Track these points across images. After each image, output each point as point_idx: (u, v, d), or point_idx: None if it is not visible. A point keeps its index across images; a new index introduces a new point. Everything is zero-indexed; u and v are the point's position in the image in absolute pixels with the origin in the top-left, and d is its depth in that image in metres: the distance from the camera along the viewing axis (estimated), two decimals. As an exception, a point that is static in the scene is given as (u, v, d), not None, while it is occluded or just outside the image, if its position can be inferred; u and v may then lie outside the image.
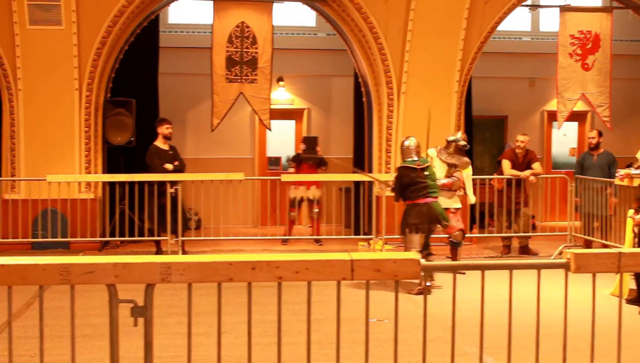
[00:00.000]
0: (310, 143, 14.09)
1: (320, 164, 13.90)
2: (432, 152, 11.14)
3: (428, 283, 9.31)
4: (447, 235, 11.15)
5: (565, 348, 4.05)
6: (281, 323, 3.92)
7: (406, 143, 10.27)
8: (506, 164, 12.81)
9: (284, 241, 13.49)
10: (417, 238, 9.89)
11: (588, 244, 12.51)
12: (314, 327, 3.99)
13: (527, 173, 12.62)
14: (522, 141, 12.82)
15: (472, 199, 11.43)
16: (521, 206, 12.75)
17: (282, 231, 14.15)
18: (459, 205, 11.23)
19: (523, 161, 12.83)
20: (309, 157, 13.85)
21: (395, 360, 3.98)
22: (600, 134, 12.86)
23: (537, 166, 12.84)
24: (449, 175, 10.99)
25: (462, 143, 11.23)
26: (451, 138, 11.34)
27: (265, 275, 3.68)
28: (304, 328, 7.42)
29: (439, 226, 10.12)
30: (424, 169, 10.01)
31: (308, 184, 13.64)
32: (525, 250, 12.82)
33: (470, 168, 11.31)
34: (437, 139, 12.01)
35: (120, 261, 3.64)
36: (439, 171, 10.90)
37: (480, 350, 4.09)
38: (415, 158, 10.09)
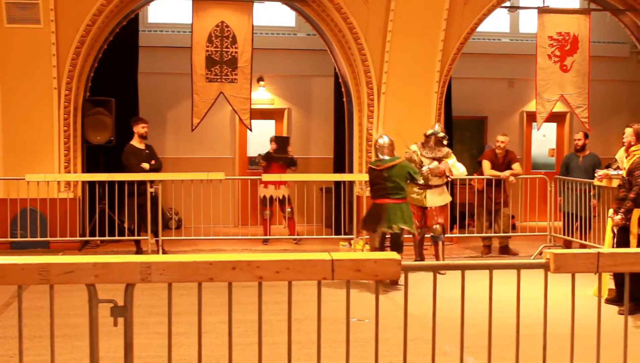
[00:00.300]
0: (281, 142, 14.09)
1: (290, 165, 13.93)
2: (414, 148, 11.26)
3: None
4: (429, 235, 11.25)
5: (546, 348, 4.07)
6: (262, 323, 3.92)
7: (379, 142, 10.40)
8: (486, 164, 12.86)
9: (265, 242, 13.49)
10: (373, 236, 10.22)
11: (568, 244, 12.58)
12: (294, 326, 3.99)
13: (507, 173, 12.68)
14: (502, 142, 12.87)
15: (462, 170, 11.44)
16: (501, 207, 12.80)
17: (262, 231, 14.15)
18: (449, 199, 11.49)
19: (503, 162, 12.88)
20: (279, 157, 13.86)
21: (376, 360, 3.98)
22: (586, 136, 12.94)
23: (517, 167, 12.89)
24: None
25: (441, 134, 11.30)
26: (429, 132, 11.38)
27: (246, 275, 3.67)
28: (284, 328, 7.43)
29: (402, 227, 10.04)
30: (384, 170, 10.06)
31: (277, 183, 13.66)
32: (505, 250, 12.88)
33: (452, 156, 11.40)
34: (418, 140, 12.06)
35: (99, 261, 3.62)
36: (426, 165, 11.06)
37: (461, 349, 4.10)
38: (386, 157, 10.18)
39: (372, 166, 10.31)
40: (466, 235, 13.96)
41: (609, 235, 9.21)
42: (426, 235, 11.39)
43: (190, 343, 6.57)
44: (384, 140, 10.35)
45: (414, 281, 4.10)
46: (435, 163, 11.07)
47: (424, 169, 10.92)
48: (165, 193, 12.54)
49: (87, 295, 3.69)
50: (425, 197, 11.09)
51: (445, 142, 11.36)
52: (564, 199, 12.54)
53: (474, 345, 5.58)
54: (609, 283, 9.02)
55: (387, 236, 10.32)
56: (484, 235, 12.92)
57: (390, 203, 9.96)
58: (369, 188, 10.58)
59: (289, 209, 13.80)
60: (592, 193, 11.98)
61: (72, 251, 12.18)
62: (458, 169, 11.31)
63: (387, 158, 10.19)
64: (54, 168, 12.63)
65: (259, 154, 14.42)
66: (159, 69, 15.82)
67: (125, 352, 3.72)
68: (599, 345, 4.08)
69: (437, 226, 11.10)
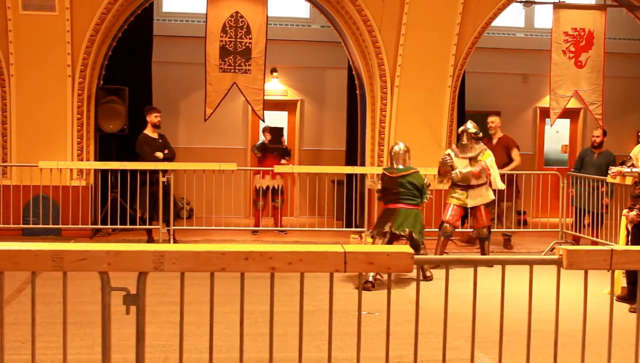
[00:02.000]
0: (275, 133, 14.19)
1: (284, 155, 14.02)
2: (451, 153, 11.16)
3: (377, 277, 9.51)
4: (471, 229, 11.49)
5: (557, 345, 4.07)
6: (273, 314, 3.92)
7: (395, 149, 10.25)
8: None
9: (254, 232, 13.55)
10: (377, 240, 9.92)
11: (577, 240, 12.54)
12: (304, 318, 3.98)
13: (505, 170, 12.54)
14: (491, 122, 12.78)
15: (499, 185, 11.24)
16: (504, 201, 12.67)
17: (272, 222, 14.19)
18: (490, 199, 11.20)
19: (498, 146, 12.72)
20: (274, 147, 13.96)
21: (387, 353, 3.98)
22: (604, 133, 12.86)
23: (515, 156, 12.81)
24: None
25: (473, 130, 11.04)
26: (461, 129, 11.28)
27: (258, 266, 3.67)
28: (294, 320, 7.43)
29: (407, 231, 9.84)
30: (397, 178, 9.95)
31: (273, 174, 13.72)
32: (506, 245, 12.82)
33: (488, 153, 11.12)
34: (431, 134, 12.04)
35: (113, 249, 3.62)
36: (461, 167, 10.91)
37: (472, 344, 4.09)
38: (400, 166, 10.05)
39: (386, 172, 10.19)
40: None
41: (623, 232, 9.17)
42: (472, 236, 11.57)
43: (201, 333, 6.58)
44: (400, 147, 10.21)
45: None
46: (469, 168, 10.87)
47: (454, 172, 10.82)
48: (177, 182, 12.56)
49: (98, 282, 3.69)
50: (467, 198, 10.98)
51: (480, 135, 11.16)
52: (576, 195, 12.48)
53: (484, 340, 5.56)
54: (621, 281, 8.99)
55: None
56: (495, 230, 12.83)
57: (403, 208, 9.85)
58: (378, 194, 10.51)
59: (280, 200, 13.93)
60: (603, 190, 11.92)
61: (84, 239, 12.21)
62: (496, 182, 11.13)
63: (401, 166, 10.07)
64: (67, 155, 12.67)
65: (254, 145, 14.53)
66: (173, 59, 15.84)
67: (137, 340, 3.72)
68: (611, 342, 4.07)
69: (484, 228, 11.11)
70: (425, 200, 10.14)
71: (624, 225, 9.11)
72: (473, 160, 10.93)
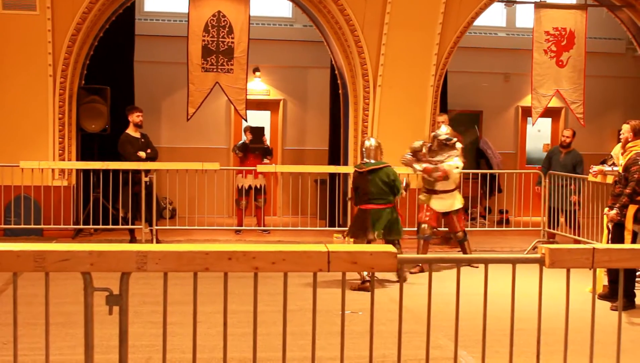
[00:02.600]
0: (256, 133, 14.21)
1: (265, 154, 14.05)
2: (408, 154, 10.94)
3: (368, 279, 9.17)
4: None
5: (539, 343, 4.08)
6: (257, 314, 3.91)
7: (366, 144, 9.99)
8: None
9: (237, 232, 13.55)
10: (358, 243, 9.57)
11: (552, 237, 12.61)
12: (287, 318, 3.98)
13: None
14: (441, 122, 12.86)
15: (452, 164, 10.66)
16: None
17: (255, 222, 14.18)
18: (459, 206, 11.01)
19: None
20: (255, 147, 13.98)
21: (370, 352, 3.99)
22: (574, 134, 12.93)
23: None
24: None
25: (443, 136, 10.79)
26: (433, 133, 11.16)
27: (242, 266, 3.67)
28: (277, 319, 7.42)
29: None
30: (367, 173, 9.67)
31: (256, 173, 13.73)
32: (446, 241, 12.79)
33: (453, 158, 10.71)
34: (414, 133, 12.05)
35: (95, 249, 3.61)
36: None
37: (455, 343, 4.10)
38: (372, 161, 9.75)
39: (357, 169, 9.94)
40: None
41: (605, 231, 9.23)
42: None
43: (184, 333, 6.56)
44: (370, 142, 9.93)
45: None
46: (425, 165, 10.64)
47: (418, 167, 10.69)
48: (160, 182, 12.52)
49: (80, 283, 3.68)
50: (431, 200, 10.84)
51: (453, 141, 10.83)
52: (550, 194, 12.54)
53: (467, 339, 5.58)
54: (603, 279, 9.04)
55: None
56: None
57: (374, 209, 9.59)
58: (350, 195, 10.36)
59: (262, 199, 13.94)
60: (572, 187, 12.01)
61: (66, 239, 12.14)
62: (451, 167, 10.65)
63: (372, 161, 9.75)
64: (48, 155, 12.61)
65: (235, 145, 14.54)
66: (155, 58, 15.79)
67: (120, 340, 3.71)
68: (593, 340, 4.09)
69: (460, 233, 11.06)
70: (399, 195, 9.83)
71: (605, 224, 9.17)
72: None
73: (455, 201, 10.97)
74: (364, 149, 9.99)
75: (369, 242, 9.67)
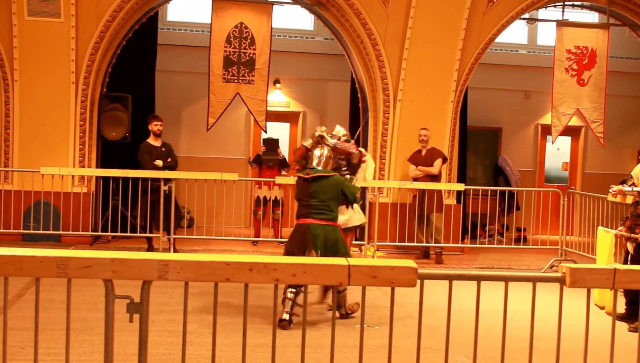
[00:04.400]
0: (270, 144, 14.16)
1: (282, 166, 14.02)
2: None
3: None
4: None
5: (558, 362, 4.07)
6: (276, 325, 3.92)
7: (316, 153, 8.29)
8: (410, 167, 12.97)
9: (254, 243, 13.54)
10: None
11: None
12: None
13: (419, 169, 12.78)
14: (424, 136, 12.89)
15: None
16: (433, 211, 12.67)
17: (272, 233, 14.19)
18: (357, 223, 9.23)
19: (426, 158, 12.89)
20: (269, 158, 13.96)
21: (388, 367, 3.98)
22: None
23: (436, 163, 12.87)
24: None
25: (343, 133, 8.83)
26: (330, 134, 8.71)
27: (263, 277, 3.68)
28: (292, 332, 7.43)
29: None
30: (311, 182, 8.06)
31: (271, 184, 13.73)
32: (439, 259, 12.73)
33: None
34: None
35: (118, 257, 3.63)
36: None
37: (474, 360, 4.09)
38: (319, 168, 8.13)
39: (302, 176, 8.20)
40: (477, 245, 13.90)
41: (610, 250, 9.22)
42: None
43: (200, 343, 6.59)
44: (322, 152, 8.23)
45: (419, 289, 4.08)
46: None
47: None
48: (179, 191, 12.56)
49: (97, 290, 3.71)
50: None
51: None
52: None
53: (484, 356, 5.55)
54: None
55: None
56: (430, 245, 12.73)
57: (313, 224, 7.94)
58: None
59: (280, 211, 13.90)
60: None
61: (84, 246, 12.21)
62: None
63: (319, 168, 8.12)
64: (68, 162, 12.70)
65: (249, 157, 14.55)
66: (177, 68, 15.87)
67: (139, 348, 3.73)
68: (612, 361, 4.07)
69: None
70: (355, 203, 8.37)
71: (610, 243, 9.16)
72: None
73: (354, 216, 9.11)
74: (311, 154, 8.32)
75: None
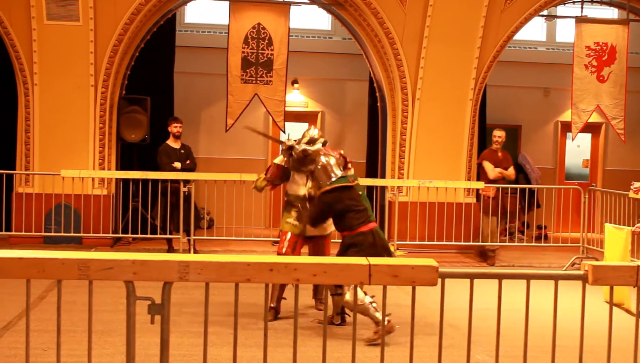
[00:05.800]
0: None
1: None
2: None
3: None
4: None
5: (581, 361, 4.04)
6: (297, 325, 3.92)
7: (330, 160, 8.10)
8: (488, 165, 12.70)
9: (274, 243, 13.53)
10: None
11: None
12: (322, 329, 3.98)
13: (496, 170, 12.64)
14: (499, 137, 12.72)
15: None
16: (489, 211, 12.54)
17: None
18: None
19: (503, 160, 12.79)
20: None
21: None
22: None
23: (511, 169, 12.86)
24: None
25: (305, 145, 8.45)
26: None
27: (283, 277, 3.68)
28: (313, 332, 7.43)
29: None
30: (358, 187, 7.91)
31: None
32: (488, 259, 12.60)
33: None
34: (452, 147, 12.00)
35: (139, 259, 3.64)
36: (300, 183, 8.70)
37: (496, 359, 4.07)
38: (344, 174, 7.99)
39: (345, 184, 7.83)
40: (510, 244, 13.79)
41: (611, 246, 9.19)
42: None
43: (221, 343, 6.60)
44: (328, 159, 8.08)
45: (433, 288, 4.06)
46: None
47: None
48: (198, 192, 12.60)
49: (118, 291, 3.72)
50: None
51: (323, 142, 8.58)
52: None
53: (505, 354, 5.53)
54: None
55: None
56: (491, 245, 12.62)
57: (376, 227, 7.78)
58: (312, 212, 8.08)
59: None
60: None
61: (104, 248, 12.26)
62: None
63: (347, 174, 8.03)
64: (88, 164, 12.76)
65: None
66: (195, 69, 15.92)
67: (161, 349, 3.73)
68: (636, 360, 4.04)
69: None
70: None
71: (626, 240, 9.12)
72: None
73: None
74: (331, 161, 8.10)
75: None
